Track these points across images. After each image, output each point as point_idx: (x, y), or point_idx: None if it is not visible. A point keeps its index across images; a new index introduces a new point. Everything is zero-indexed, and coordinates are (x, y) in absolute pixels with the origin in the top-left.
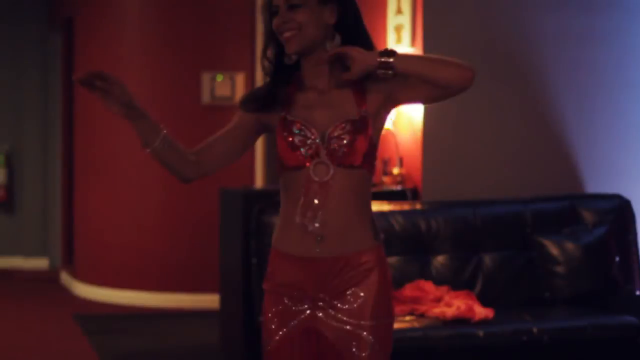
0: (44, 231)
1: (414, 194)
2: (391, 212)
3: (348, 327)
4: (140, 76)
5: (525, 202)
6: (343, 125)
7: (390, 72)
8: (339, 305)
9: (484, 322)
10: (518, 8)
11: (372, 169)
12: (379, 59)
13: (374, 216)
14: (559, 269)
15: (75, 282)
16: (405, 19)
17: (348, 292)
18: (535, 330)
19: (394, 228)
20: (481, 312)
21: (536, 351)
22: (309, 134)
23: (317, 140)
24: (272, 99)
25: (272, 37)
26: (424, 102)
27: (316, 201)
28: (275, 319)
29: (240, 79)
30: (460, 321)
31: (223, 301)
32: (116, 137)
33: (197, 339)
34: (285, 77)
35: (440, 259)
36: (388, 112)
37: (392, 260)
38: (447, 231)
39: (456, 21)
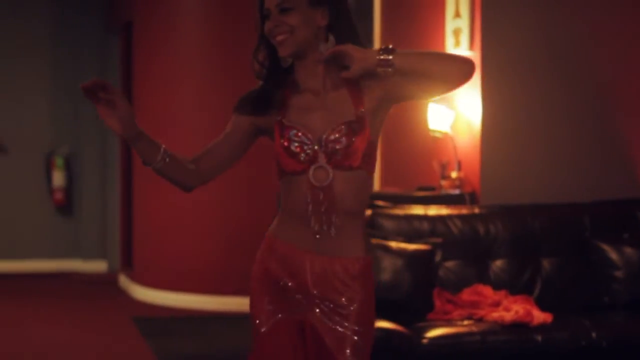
0: (102, 234)
1: (473, 198)
2: (449, 216)
3: (342, 329)
4: (198, 81)
5: (584, 206)
6: (340, 127)
7: (390, 69)
8: (335, 307)
9: (542, 327)
10: (577, 10)
11: (371, 169)
12: (378, 57)
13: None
14: (618, 273)
15: (134, 284)
16: (463, 23)
17: (344, 296)
18: (594, 335)
19: (452, 232)
20: (540, 316)
21: (595, 356)
22: (305, 139)
23: (315, 146)
24: (266, 102)
25: (263, 40)
26: (423, 98)
27: (321, 207)
28: (273, 303)
29: None
30: (518, 326)
31: None
32: (175, 140)
33: None
34: (278, 80)
35: (498, 263)
36: (387, 110)
37: (450, 264)
38: (506, 235)
39: (514, 24)
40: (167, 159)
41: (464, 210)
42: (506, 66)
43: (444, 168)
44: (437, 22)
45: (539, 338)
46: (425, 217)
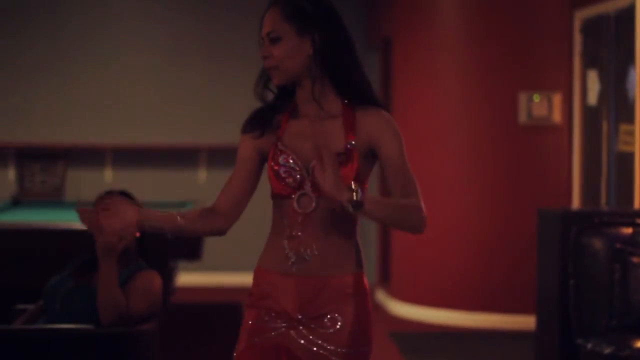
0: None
1: None
2: None
3: (322, 351)
4: (455, 96)
5: None
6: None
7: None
8: (316, 328)
9: None
10: None
11: None
12: (345, 206)
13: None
14: None
15: (391, 300)
16: None
17: (326, 317)
18: None
19: None
20: None
21: None
22: (294, 165)
23: (303, 172)
24: (264, 124)
25: None
26: None
27: (300, 233)
28: (250, 329)
29: (557, 99)
30: None
31: (539, 323)
32: (434, 158)
33: None
34: (279, 103)
35: None
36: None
37: None
38: None
39: None
40: (188, 224)
41: None
42: None
43: None
44: None
45: None
46: None
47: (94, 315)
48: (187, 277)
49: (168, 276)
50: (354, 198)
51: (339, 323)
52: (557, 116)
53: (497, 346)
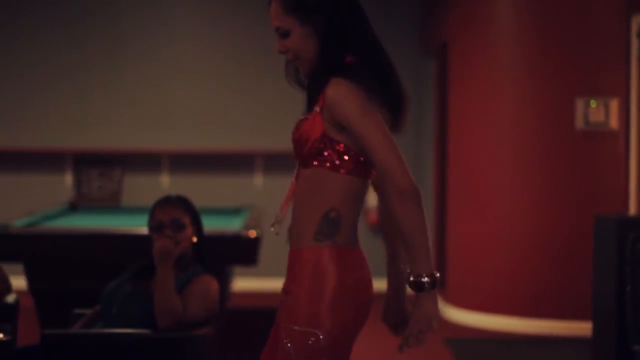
0: None
1: None
2: None
3: (281, 325)
4: (511, 101)
5: None
6: (297, 123)
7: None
8: (284, 302)
9: None
10: None
11: (329, 165)
12: (422, 288)
13: (336, 217)
14: None
15: (447, 306)
16: None
17: (288, 291)
18: None
19: None
20: None
21: None
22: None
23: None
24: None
25: None
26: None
27: (288, 200)
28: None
29: (614, 105)
30: None
31: (596, 329)
32: (490, 163)
33: None
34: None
35: None
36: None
37: None
38: None
39: None
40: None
41: None
42: None
43: None
44: None
45: None
46: None
47: (151, 320)
48: (243, 283)
49: (224, 281)
50: (425, 284)
51: (292, 298)
52: (614, 122)
53: (552, 352)
